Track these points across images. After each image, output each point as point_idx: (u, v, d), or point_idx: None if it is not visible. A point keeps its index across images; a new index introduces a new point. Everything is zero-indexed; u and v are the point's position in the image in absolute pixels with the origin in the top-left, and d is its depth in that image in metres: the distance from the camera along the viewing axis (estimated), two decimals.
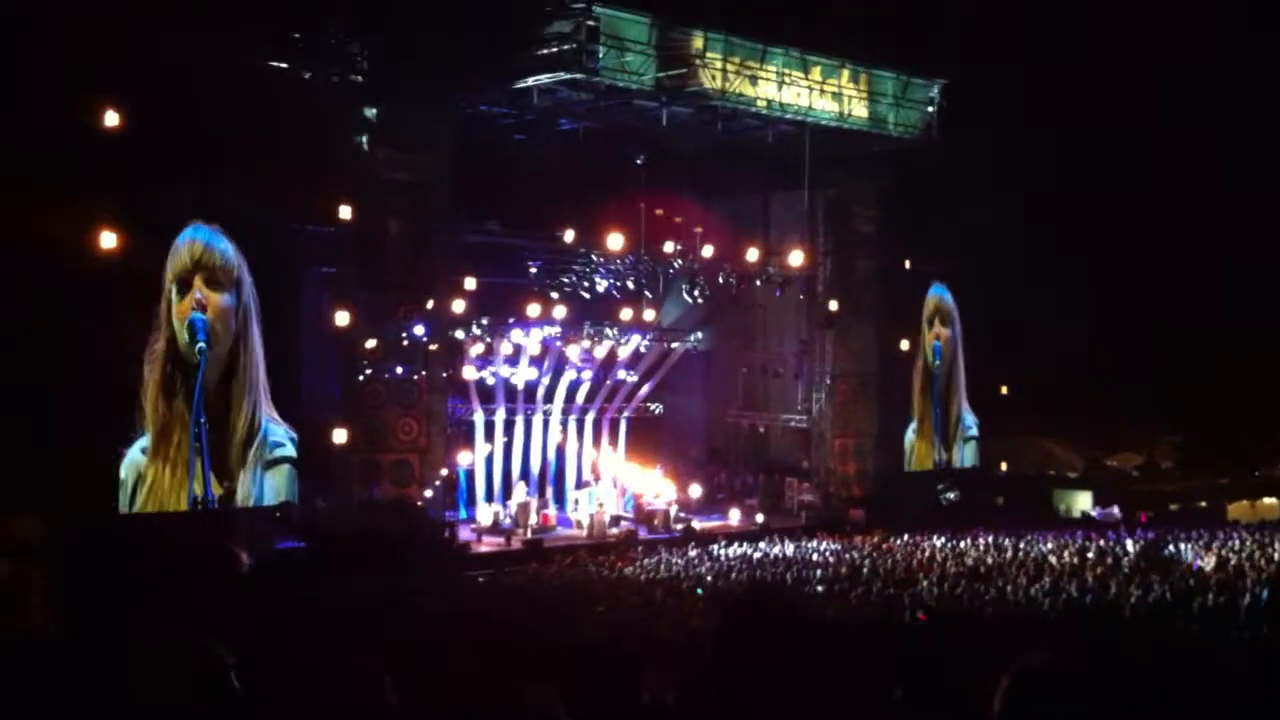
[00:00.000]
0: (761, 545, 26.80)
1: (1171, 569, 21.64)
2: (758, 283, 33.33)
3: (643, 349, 32.86)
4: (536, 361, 30.80)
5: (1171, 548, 24.34)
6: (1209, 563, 22.13)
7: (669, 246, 31.28)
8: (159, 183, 21.75)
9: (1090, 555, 23.71)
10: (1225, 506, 34.84)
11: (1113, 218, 35.96)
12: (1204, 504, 34.52)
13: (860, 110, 29.81)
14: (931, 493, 33.93)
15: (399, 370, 25.76)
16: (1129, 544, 25.07)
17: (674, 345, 33.86)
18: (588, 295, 30.98)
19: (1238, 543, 24.97)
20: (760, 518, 31.56)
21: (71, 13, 20.20)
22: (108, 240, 21.55)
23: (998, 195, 32.54)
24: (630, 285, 31.26)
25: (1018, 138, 32.66)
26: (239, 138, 21.46)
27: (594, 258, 30.48)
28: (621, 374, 33.04)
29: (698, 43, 26.55)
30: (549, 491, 31.56)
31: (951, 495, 33.66)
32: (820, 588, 20.29)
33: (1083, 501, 34.22)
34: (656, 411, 35.08)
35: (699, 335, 34.43)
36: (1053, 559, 23.20)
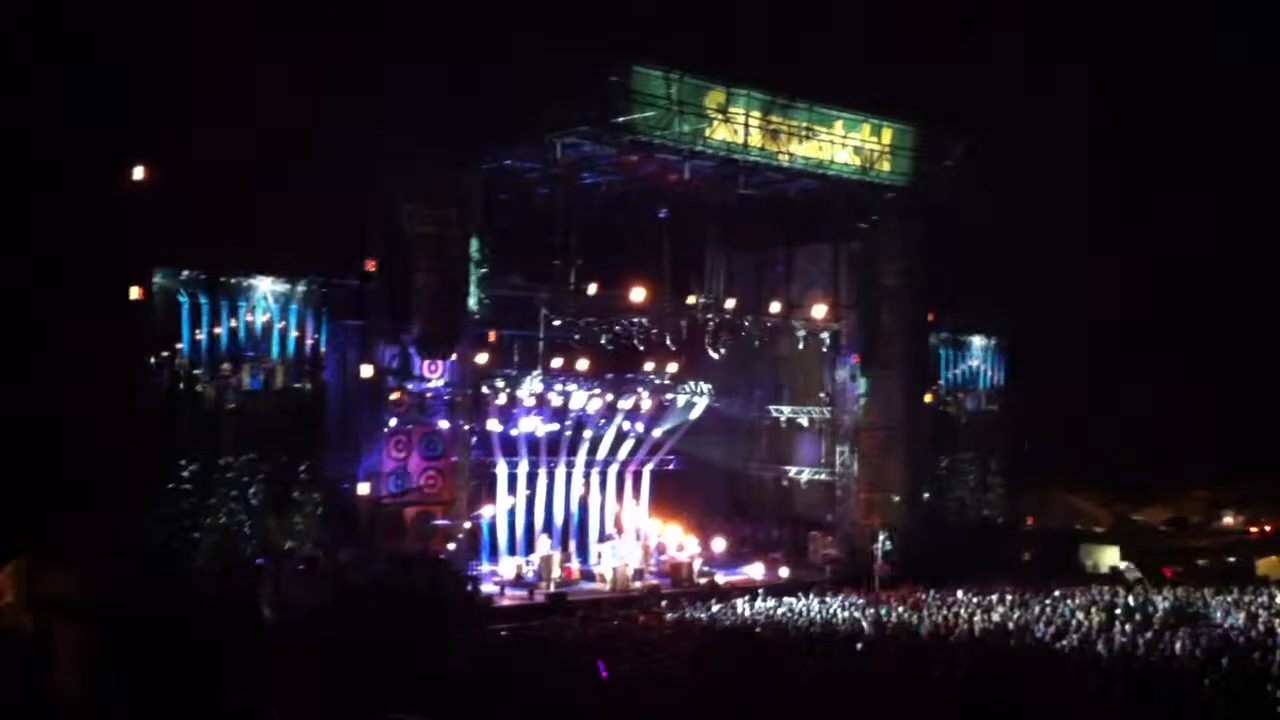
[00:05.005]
0: (786, 600, 26.60)
1: (1201, 626, 21.41)
2: (781, 335, 33.35)
3: (665, 402, 32.77)
4: (559, 414, 30.75)
5: (1200, 604, 24.09)
6: (1239, 619, 21.90)
7: (691, 299, 31.35)
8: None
9: (1119, 611, 23.48)
10: (1255, 562, 34.42)
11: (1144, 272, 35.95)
12: (1232, 559, 34.12)
13: (883, 164, 29.87)
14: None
15: (423, 422, 25.85)
16: (1159, 601, 24.81)
17: (695, 399, 33.67)
18: (610, 348, 30.99)
19: (1266, 599, 24.71)
20: (784, 572, 31.36)
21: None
22: (135, 293, 21.84)
23: (1025, 248, 32.51)
24: (653, 338, 31.25)
25: (1042, 191, 32.69)
26: (268, 191, 21.76)
27: (617, 311, 30.50)
28: (642, 427, 32.93)
29: (720, 97, 26.74)
30: (572, 544, 31.42)
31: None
32: (860, 645, 20.16)
33: (1110, 557, 33.85)
34: (682, 461, 34.91)
35: (712, 393, 33.83)
36: (1080, 615, 22.97)
